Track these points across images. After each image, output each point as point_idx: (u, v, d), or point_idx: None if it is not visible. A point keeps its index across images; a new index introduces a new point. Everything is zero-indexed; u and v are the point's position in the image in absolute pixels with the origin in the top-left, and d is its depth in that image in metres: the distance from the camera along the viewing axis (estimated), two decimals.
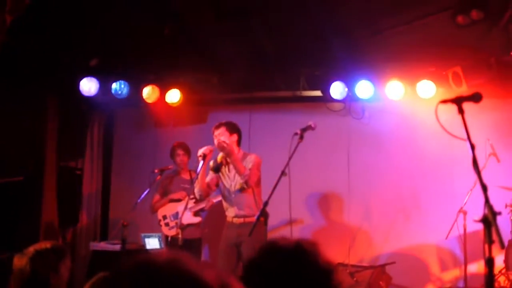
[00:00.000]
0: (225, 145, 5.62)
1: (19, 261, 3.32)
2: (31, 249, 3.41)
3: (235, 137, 5.87)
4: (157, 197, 7.03)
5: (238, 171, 5.69)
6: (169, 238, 6.76)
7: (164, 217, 6.92)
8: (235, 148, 5.84)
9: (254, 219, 4.68)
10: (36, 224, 7.00)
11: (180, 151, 7.01)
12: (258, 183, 5.80)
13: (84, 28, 6.44)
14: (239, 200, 5.83)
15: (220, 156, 5.80)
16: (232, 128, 5.86)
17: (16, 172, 6.96)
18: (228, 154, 5.70)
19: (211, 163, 5.84)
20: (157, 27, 6.27)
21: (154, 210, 7.04)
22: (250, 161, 5.82)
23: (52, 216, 7.27)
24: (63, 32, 6.48)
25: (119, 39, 6.80)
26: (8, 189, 6.89)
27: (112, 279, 1.06)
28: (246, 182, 5.67)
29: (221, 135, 5.77)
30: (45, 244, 3.45)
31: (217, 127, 5.83)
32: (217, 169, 5.84)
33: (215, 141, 5.77)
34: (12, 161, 7.02)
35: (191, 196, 5.55)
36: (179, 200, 6.87)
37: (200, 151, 5.66)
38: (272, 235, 5.91)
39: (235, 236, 5.79)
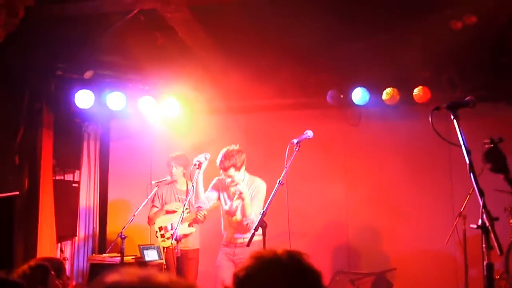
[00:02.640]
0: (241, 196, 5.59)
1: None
2: (17, 271, 3.44)
3: (243, 167, 5.75)
4: (154, 208, 7.00)
5: (243, 213, 5.63)
6: (165, 249, 6.74)
7: (160, 228, 6.89)
8: (243, 173, 5.76)
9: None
10: (33, 239, 6.96)
11: (172, 164, 6.96)
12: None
13: (79, 41, 6.42)
14: (240, 224, 5.77)
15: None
16: (239, 162, 5.62)
17: (12, 187, 6.91)
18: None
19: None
20: (150, 37, 6.26)
21: (151, 222, 6.99)
22: (256, 190, 5.72)
23: (49, 230, 7.23)
24: (57, 45, 6.46)
25: (114, 51, 6.80)
26: (4, 204, 6.84)
27: None
28: (246, 225, 5.62)
29: (232, 176, 5.66)
30: (33, 262, 3.48)
31: (226, 168, 5.59)
32: None
33: (226, 179, 5.72)
34: (7, 175, 6.98)
35: (186, 207, 5.51)
36: (174, 212, 6.85)
37: (195, 160, 5.62)
38: (270, 245, 5.87)
39: (233, 254, 5.75)
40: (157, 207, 6.96)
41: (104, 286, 1.07)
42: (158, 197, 6.96)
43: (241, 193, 5.48)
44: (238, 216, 5.75)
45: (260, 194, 5.73)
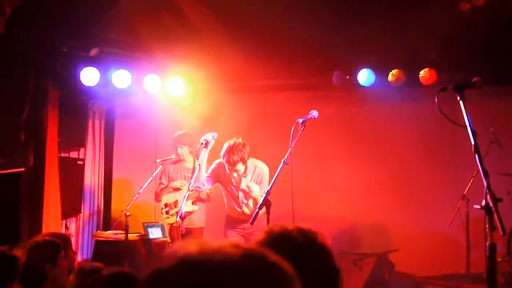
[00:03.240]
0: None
1: (17, 253, 3.35)
2: (29, 241, 3.45)
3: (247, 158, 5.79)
4: (161, 185, 7.05)
5: (255, 204, 5.67)
6: (170, 227, 6.79)
7: (166, 205, 6.96)
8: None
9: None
10: (38, 216, 7.00)
11: (176, 145, 7.00)
12: None
13: (85, 19, 6.40)
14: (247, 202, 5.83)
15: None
16: (246, 155, 5.68)
17: (17, 164, 6.95)
18: None
19: None
20: (157, 16, 6.23)
21: (158, 198, 7.06)
22: (260, 175, 5.74)
23: (54, 207, 7.27)
24: (63, 22, 6.44)
25: (120, 28, 6.78)
26: (10, 181, 6.89)
27: None
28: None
29: (238, 170, 5.69)
30: (43, 237, 3.49)
31: (234, 163, 5.61)
32: None
33: (232, 173, 5.75)
34: (13, 152, 7.01)
35: (190, 186, 5.52)
36: (179, 189, 6.90)
37: (202, 139, 5.61)
38: (274, 223, 5.88)
39: (243, 229, 5.81)
40: (164, 184, 7.02)
41: (180, 257, 1.04)
42: (165, 174, 7.01)
43: (250, 192, 5.51)
44: (246, 210, 5.82)
45: (265, 178, 5.77)
